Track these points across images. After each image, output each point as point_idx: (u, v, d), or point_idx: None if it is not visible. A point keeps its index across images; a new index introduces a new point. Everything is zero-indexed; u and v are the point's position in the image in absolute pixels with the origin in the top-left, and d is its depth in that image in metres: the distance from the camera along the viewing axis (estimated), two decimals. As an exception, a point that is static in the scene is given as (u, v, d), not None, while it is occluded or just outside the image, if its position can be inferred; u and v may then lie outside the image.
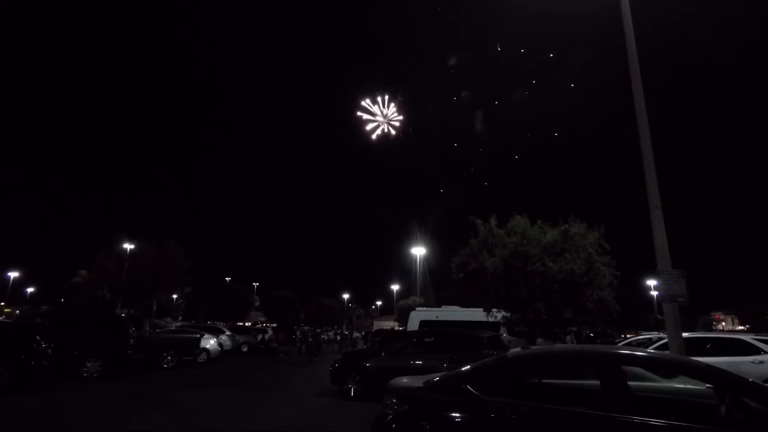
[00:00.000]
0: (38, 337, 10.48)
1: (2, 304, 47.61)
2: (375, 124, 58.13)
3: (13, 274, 54.82)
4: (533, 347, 8.82)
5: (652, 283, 41.30)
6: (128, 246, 34.56)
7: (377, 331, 35.68)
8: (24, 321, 13.87)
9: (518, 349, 5.43)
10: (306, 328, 31.99)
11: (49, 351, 10.53)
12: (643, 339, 15.34)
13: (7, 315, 31.07)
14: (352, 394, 10.51)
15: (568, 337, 17.00)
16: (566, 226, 13.43)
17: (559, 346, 11.31)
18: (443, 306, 21.27)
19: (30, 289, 63.10)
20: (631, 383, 3.61)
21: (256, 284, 67.34)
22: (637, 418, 3.16)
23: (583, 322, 15.97)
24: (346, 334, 40.62)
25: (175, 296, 46.40)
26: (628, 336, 24.23)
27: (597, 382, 3.64)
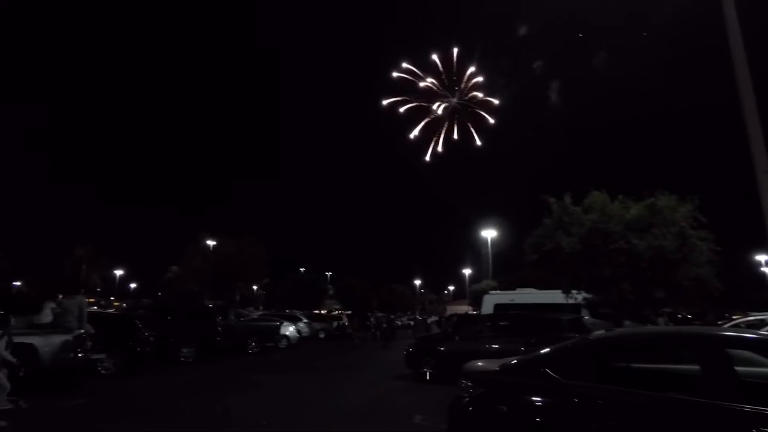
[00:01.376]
0: (142, 327, 11.66)
1: (112, 298, 53.89)
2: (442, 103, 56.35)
3: (119, 272, 61.89)
4: (619, 329, 8.21)
5: (762, 258, 36.94)
6: (211, 242, 37.47)
7: (451, 315, 35.49)
8: (129, 313, 15.55)
9: (602, 331, 5.06)
10: (380, 314, 32.64)
11: (152, 339, 11.67)
12: (753, 320, 13.75)
13: (116, 308, 35.13)
14: (427, 377, 10.54)
15: (661, 319, 15.66)
16: (653, 199, 12.28)
17: (649, 327, 10.45)
18: (518, 288, 20.55)
19: (133, 285, 70.82)
20: (739, 368, 3.20)
21: (329, 273, 70.01)
22: (747, 407, 2.78)
23: (678, 302, 14.60)
24: (420, 319, 40.91)
25: (255, 287, 49.53)
26: (734, 317, 21.86)
27: (696, 367, 3.26)
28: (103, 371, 10.31)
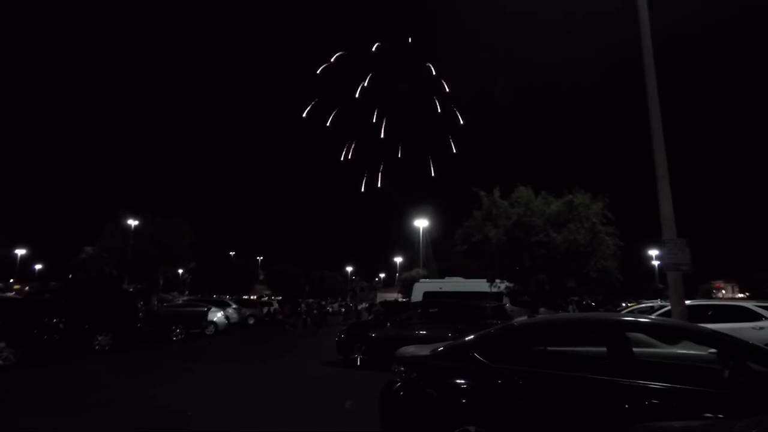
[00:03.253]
0: (49, 313, 10.66)
1: (11, 281, 48.35)
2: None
3: (21, 252, 55.46)
4: (538, 316, 8.93)
5: (653, 252, 41.50)
6: (133, 222, 34.72)
7: (382, 302, 36.18)
8: (34, 297, 14.10)
9: (524, 318, 5.50)
10: (311, 300, 32.45)
11: (61, 325, 10.73)
12: (644, 307, 15.53)
13: (17, 292, 31.55)
14: (358, 363, 10.74)
15: (571, 307, 17.20)
16: (571, 196, 13.36)
17: (564, 314, 11.44)
18: (447, 277, 21.44)
19: (38, 266, 63.89)
20: (635, 349, 3.67)
21: (260, 258, 68.11)
22: (641, 382, 3.23)
23: (585, 291, 16.13)
24: (351, 306, 41.25)
25: (180, 271, 46.93)
26: (629, 304, 24.50)
27: (602, 349, 3.69)
28: (1, 362, 9.34)
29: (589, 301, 26.05)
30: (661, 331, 4.27)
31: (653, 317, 6.24)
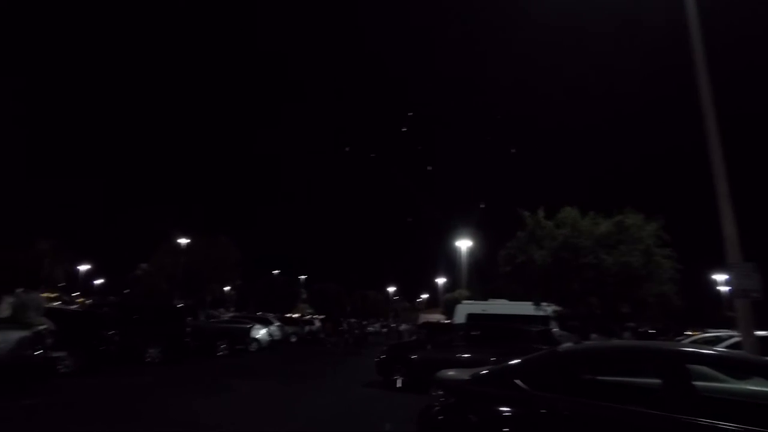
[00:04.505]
0: (106, 325, 11.27)
1: (75, 294, 51.83)
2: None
3: (84, 267, 59.57)
4: (587, 342, 8.43)
5: (719, 277, 38.46)
6: (183, 241, 36.60)
7: (423, 323, 35.61)
8: (93, 310, 15.01)
9: (570, 344, 5.20)
10: (352, 320, 32.48)
11: (116, 338, 11.31)
12: (710, 337, 14.32)
13: (79, 305, 33.74)
14: (398, 385, 10.55)
15: (626, 334, 16.16)
16: (621, 216, 12.73)
17: (615, 341, 10.76)
18: (490, 299, 20.82)
19: (98, 281, 68.24)
20: (697, 383, 3.35)
21: (303, 277, 69.27)
22: (704, 420, 2.92)
23: (642, 317, 15.14)
24: (393, 327, 40.89)
25: (226, 288, 48.57)
26: (693, 333, 22.69)
27: (658, 381, 3.40)
28: (62, 369, 9.91)
29: (648, 329, 24.42)
30: (728, 365, 3.89)
31: (719, 349, 5.73)
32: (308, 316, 45.35)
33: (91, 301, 30.42)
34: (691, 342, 13.01)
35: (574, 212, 13.59)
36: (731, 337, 10.77)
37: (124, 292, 48.55)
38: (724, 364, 3.86)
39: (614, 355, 4.10)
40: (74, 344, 10.21)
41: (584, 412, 3.27)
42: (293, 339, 26.71)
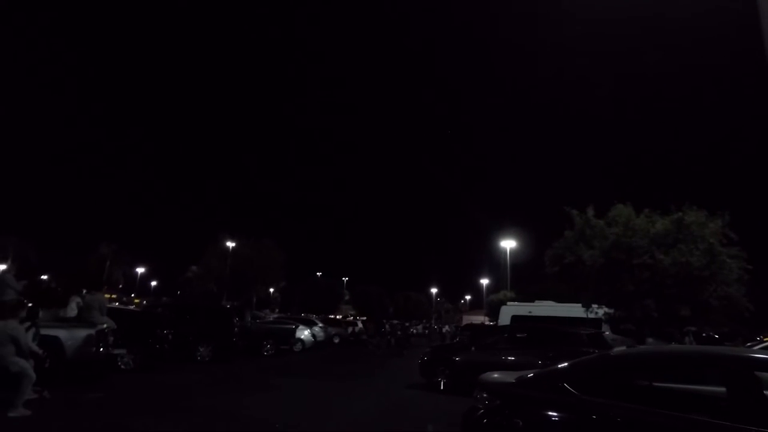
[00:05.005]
0: (161, 325, 11.86)
1: (132, 295, 55.08)
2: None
3: (141, 270, 63.32)
4: (642, 346, 7.97)
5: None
6: (230, 244, 38.06)
7: (467, 325, 35.08)
8: (149, 310, 15.86)
9: (623, 348, 4.92)
10: (395, 321, 32.47)
11: (170, 337, 11.87)
12: (782, 342, 13.18)
13: (136, 305, 35.81)
14: (441, 387, 10.42)
15: (687, 338, 15.15)
16: (680, 213, 11.93)
17: (673, 345, 10.11)
18: (537, 301, 20.19)
19: (153, 283, 72.37)
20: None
21: (345, 279, 70.16)
22: None
23: (704, 321, 14.12)
24: (436, 328, 40.56)
25: (271, 290, 49.96)
26: (764, 339, 20.97)
27: (722, 389, 3.14)
28: (122, 366, 10.52)
29: (711, 333, 22.80)
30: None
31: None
32: (351, 318, 45.83)
33: (146, 302, 32.21)
34: (763, 348, 12.00)
35: (628, 210, 12.89)
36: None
37: (177, 293, 51.08)
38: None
39: (673, 361, 3.82)
40: (133, 342, 10.78)
41: (639, 419, 3.05)
42: (336, 340, 27.03)
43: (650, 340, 11.91)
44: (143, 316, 13.23)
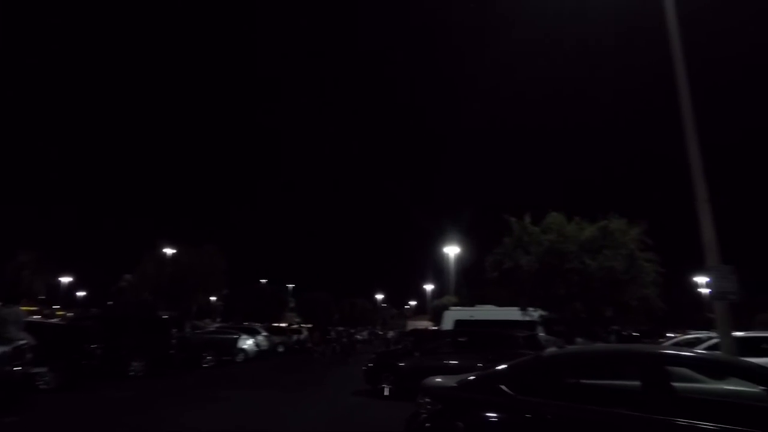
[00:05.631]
0: (89, 339, 11.04)
1: (56, 307, 50.60)
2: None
3: (66, 279, 58.24)
4: (571, 346, 8.53)
5: (700, 280, 39.26)
6: (169, 251, 36.04)
7: (411, 330, 35.57)
8: (75, 323, 14.68)
9: (555, 349, 5.28)
10: (340, 328, 32.28)
11: (99, 351, 11.08)
12: (690, 338, 14.61)
13: (61, 318, 32.95)
14: (386, 393, 10.52)
15: (612, 337, 16.38)
16: (606, 221, 12.95)
17: (597, 345, 10.89)
18: (478, 305, 20.92)
19: (80, 293, 66.79)
20: (676, 384, 3.44)
21: (291, 286, 68.70)
22: (683, 421, 3.00)
23: (625, 321, 15.37)
24: (380, 334, 40.77)
25: (213, 298, 47.88)
26: (674, 335, 23.09)
27: (639, 383, 3.48)
28: (42, 386, 9.68)
29: (631, 332, 24.77)
30: (706, 366, 4.00)
31: (697, 350, 5.86)
32: (296, 325, 44.94)
33: (72, 313, 29.73)
34: (672, 344, 13.25)
35: (560, 217, 13.78)
36: (711, 338, 11.02)
37: (107, 303, 47.55)
38: (702, 365, 3.97)
39: (597, 359, 4.18)
40: (55, 359, 9.98)
41: (568, 415, 3.32)
42: (281, 349, 26.39)
43: (579, 339, 12.76)
44: (68, 330, 12.25)
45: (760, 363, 3.60)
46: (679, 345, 12.80)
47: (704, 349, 9.29)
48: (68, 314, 32.13)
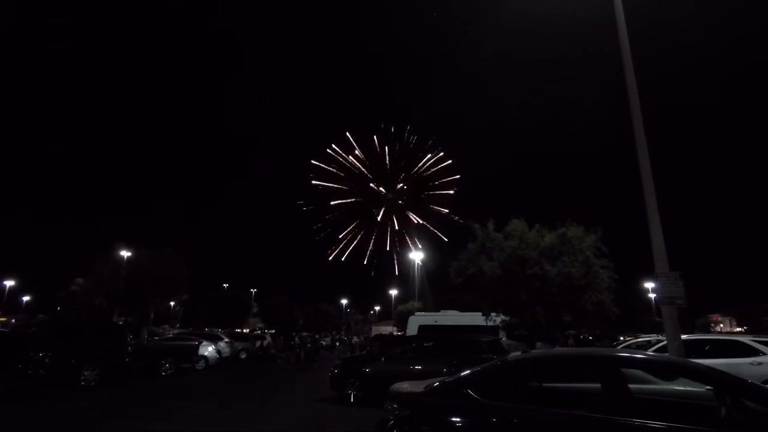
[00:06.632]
0: (35, 346, 10.40)
1: (-3, 313, 47.24)
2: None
3: (9, 283, 54.48)
4: (533, 351, 8.81)
5: (650, 285, 41.40)
6: (125, 253, 34.44)
7: (376, 336, 35.56)
8: (20, 330, 13.79)
9: (518, 353, 5.44)
10: (304, 333, 31.84)
11: (47, 360, 10.46)
12: (641, 341, 15.36)
13: (3, 324, 30.84)
14: (352, 399, 10.47)
15: (570, 341, 17.00)
16: (564, 229, 13.47)
17: (559, 349, 11.30)
18: (442, 310, 21.21)
19: (26, 298, 62.67)
20: (631, 386, 3.62)
21: (253, 290, 67.14)
22: (637, 421, 3.17)
23: (582, 325, 16.02)
24: (345, 340, 40.51)
25: (172, 303, 46.12)
26: (626, 338, 24.23)
27: (598, 385, 3.65)
28: (-18, 398, 9.03)
29: (587, 335, 25.76)
30: (657, 368, 4.22)
31: (649, 353, 6.19)
32: (259, 331, 43.97)
33: (16, 320, 27.90)
34: (625, 347, 13.89)
35: (522, 224, 14.22)
36: (659, 341, 11.65)
37: (57, 309, 44.87)
38: (654, 367, 4.19)
39: (558, 363, 4.35)
40: (-3, 369, 9.34)
41: (532, 418, 3.44)
42: (243, 355, 25.80)
43: (539, 344, 13.19)
44: (11, 337, 11.46)
45: (705, 364, 3.85)
46: (630, 348, 13.43)
47: (653, 351, 9.80)
48: (12, 320, 30.12)
